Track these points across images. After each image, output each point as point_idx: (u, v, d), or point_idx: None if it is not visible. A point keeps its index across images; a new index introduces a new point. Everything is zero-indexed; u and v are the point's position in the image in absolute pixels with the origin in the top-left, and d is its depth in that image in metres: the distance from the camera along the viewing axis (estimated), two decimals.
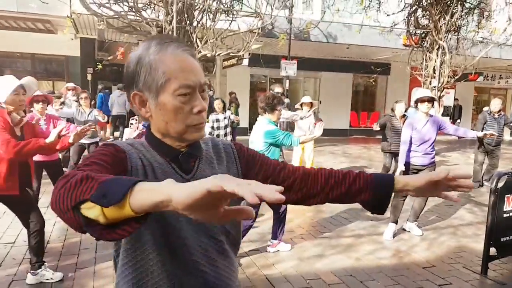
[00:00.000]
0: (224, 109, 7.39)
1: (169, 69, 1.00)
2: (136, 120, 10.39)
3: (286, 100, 10.66)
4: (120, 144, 1.06)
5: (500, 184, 3.52)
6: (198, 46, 9.04)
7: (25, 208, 3.20)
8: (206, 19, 9.16)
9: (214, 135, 7.19)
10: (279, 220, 4.14)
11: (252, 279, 3.57)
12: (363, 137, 16.62)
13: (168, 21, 8.66)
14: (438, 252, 4.28)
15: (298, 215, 5.45)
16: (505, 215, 3.64)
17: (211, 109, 8.67)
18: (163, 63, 1.00)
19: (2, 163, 2.91)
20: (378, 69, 13.77)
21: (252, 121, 15.54)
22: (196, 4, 9.10)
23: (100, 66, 10.24)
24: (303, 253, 4.18)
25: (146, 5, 9.03)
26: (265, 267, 3.80)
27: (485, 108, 8.96)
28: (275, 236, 4.19)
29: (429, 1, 11.17)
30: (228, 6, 9.60)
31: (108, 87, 14.19)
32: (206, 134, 7.83)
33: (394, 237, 4.72)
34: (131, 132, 7.62)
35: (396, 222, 4.78)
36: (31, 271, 3.32)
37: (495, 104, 7.42)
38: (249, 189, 0.61)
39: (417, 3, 11.61)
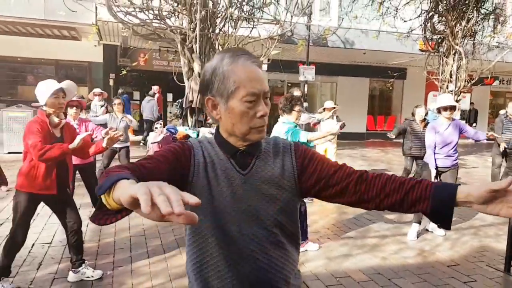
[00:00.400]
0: None
1: (239, 78, 1.17)
2: (161, 124, 10.77)
3: (305, 104, 10.88)
4: (191, 142, 1.29)
5: None
6: None
7: (63, 208, 3.32)
8: (228, 27, 9.45)
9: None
10: (301, 219, 4.31)
11: None
12: (380, 140, 16.72)
13: (192, 29, 8.97)
14: (461, 252, 4.44)
15: (322, 217, 5.65)
16: None
17: None
18: (234, 73, 1.17)
19: (40, 164, 3.03)
20: (395, 74, 13.91)
21: (271, 124, 15.73)
22: (218, 12, 9.40)
23: (124, 72, 10.59)
24: (330, 253, 4.37)
25: (171, 13, 9.35)
26: None
27: (502, 112, 9.20)
28: (303, 236, 4.39)
29: (445, 7, 11.29)
30: (249, 14, 9.87)
31: (128, 91, 14.59)
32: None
33: (417, 237, 4.89)
34: (155, 136, 7.94)
35: (419, 223, 4.96)
36: (72, 269, 3.43)
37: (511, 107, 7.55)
38: (162, 199, 0.70)
39: (433, 9, 11.76)
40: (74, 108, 4.99)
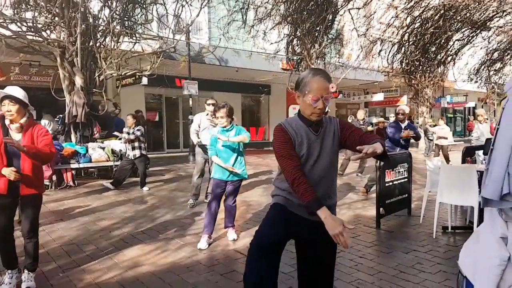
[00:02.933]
0: (136, 124, 7.71)
1: (312, 87, 2.11)
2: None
3: (190, 117, 11.47)
4: (283, 125, 2.19)
5: (381, 163, 5.00)
6: (103, 66, 9.30)
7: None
8: (111, 41, 9.50)
9: (129, 148, 7.59)
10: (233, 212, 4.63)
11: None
12: (254, 149, 18.08)
13: (72, 42, 8.77)
14: (344, 218, 5.51)
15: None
16: (386, 185, 5.14)
17: (117, 128, 8.95)
18: (311, 83, 2.11)
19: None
20: (265, 90, 15.54)
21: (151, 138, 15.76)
22: (99, 26, 9.38)
23: None
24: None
25: (46, 26, 8.97)
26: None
27: (349, 119, 11.89)
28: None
29: (302, 32, 13.27)
30: (131, 29, 10.08)
31: None
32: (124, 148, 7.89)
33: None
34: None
35: None
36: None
37: (360, 114, 9.62)
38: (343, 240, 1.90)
39: (293, 34, 13.70)
40: None
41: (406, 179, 5.57)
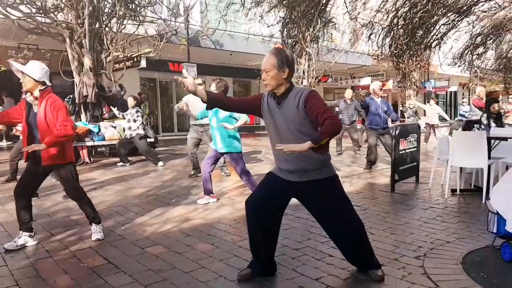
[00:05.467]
0: (137, 104, 7.93)
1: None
2: None
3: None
4: (264, 94, 2.55)
5: (397, 132, 5.43)
6: (109, 48, 9.41)
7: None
8: (116, 23, 9.58)
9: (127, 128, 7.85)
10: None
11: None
12: (246, 133, 18.37)
13: (80, 24, 8.85)
14: (359, 185, 5.93)
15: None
16: (401, 152, 5.58)
17: (123, 108, 9.11)
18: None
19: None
20: (259, 73, 15.76)
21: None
22: (104, 8, 9.44)
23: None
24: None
25: (54, 7, 8.99)
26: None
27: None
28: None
29: (297, 15, 13.55)
30: (135, 11, 10.16)
31: None
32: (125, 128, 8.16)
33: None
34: None
35: None
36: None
37: (348, 93, 9.90)
38: None
39: (288, 17, 13.97)
40: None
41: (415, 149, 6.02)
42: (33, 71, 3.21)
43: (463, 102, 15.99)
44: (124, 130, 8.69)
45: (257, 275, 2.61)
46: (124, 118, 7.93)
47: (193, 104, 6.26)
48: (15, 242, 3.23)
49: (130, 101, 7.84)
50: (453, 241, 3.34)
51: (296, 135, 2.40)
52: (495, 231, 2.96)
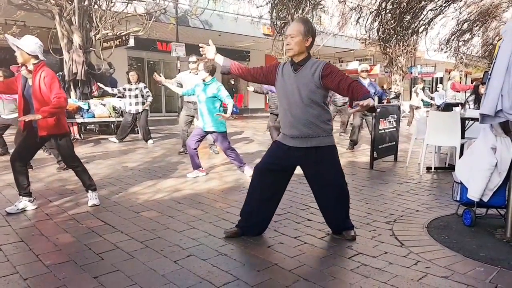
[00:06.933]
0: (138, 80, 8.03)
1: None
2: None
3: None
4: (278, 65, 2.79)
5: (377, 112, 5.71)
6: (98, 26, 9.43)
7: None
8: (106, 1, 9.57)
9: (126, 103, 7.99)
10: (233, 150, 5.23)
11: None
12: (234, 116, 18.63)
13: (69, 1, 8.84)
14: (341, 163, 6.22)
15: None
16: (380, 132, 5.88)
17: (112, 86, 9.20)
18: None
19: None
20: (246, 56, 15.87)
21: None
22: None
23: None
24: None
25: None
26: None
27: None
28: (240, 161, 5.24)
29: None
30: None
31: None
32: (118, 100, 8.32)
33: None
34: None
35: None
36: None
37: None
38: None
39: None
40: None
41: (394, 129, 6.33)
42: (25, 45, 3.36)
43: (437, 87, 16.35)
44: (113, 108, 8.82)
45: (243, 235, 2.88)
46: (120, 94, 8.01)
47: (185, 82, 6.46)
48: (15, 206, 3.44)
49: (135, 77, 7.90)
50: (422, 210, 3.66)
51: (306, 101, 2.61)
52: (458, 199, 3.28)
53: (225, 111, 4.82)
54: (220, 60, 2.77)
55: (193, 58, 6.58)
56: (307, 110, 2.61)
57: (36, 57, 3.41)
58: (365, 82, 7.08)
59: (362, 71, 7.23)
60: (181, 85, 6.38)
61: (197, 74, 5.24)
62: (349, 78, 2.58)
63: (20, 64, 3.47)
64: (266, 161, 2.83)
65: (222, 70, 2.77)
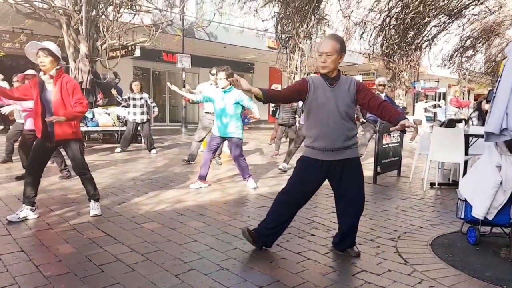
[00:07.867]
0: (141, 90, 8.05)
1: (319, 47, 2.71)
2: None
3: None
4: (308, 78, 2.75)
5: (380, 127, 5.70)
6: (105, 36, 9.53)
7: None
8: (113, 11, 9.70)
9: (130, 113, 7.98)
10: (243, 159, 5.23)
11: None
12: None
13: (77, 11, 8.96)
14: None
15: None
16: (384, 146, 5.87)
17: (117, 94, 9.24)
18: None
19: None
20: (252, 67, 15.99)
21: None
22: None
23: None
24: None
25: None
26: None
27: None
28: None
29: (292, 11, 13.77)
30: (131, 0, 10.27)
31: None
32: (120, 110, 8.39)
33: None
34: None
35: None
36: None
37: None
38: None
39: (283, 12, 14.18)
40: None
41: (398, 143, 6.31)
42: (52, 47, 3.41)
43: (439, 103, 16.33)
44: (117, 117, 8.86)
45: (255, 243, 2.88)
46: (126, 103, 8.00)
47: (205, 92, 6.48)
48: (17, 214, 3.42)
49: (139, 86, 7.94)
50: (426, 227, 3.63)
51: (343, 115, 2.67)
52: (462, 216, 3.25)
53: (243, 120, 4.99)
54: (256, 90, 2.59)
55: (213, 70, 6.64)
56: (343, 124, 2.69)
57: (58, 60, 3.45)
58: (382, 96, 7.09)
59: (380, 85, 7.20)
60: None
61: (217, 86, 5.31)
62: (379, 97, 2.75)
63: (30, 73, 3.51)
64: (298, 190, 2.78)
65: (265, 100, 2.63)
